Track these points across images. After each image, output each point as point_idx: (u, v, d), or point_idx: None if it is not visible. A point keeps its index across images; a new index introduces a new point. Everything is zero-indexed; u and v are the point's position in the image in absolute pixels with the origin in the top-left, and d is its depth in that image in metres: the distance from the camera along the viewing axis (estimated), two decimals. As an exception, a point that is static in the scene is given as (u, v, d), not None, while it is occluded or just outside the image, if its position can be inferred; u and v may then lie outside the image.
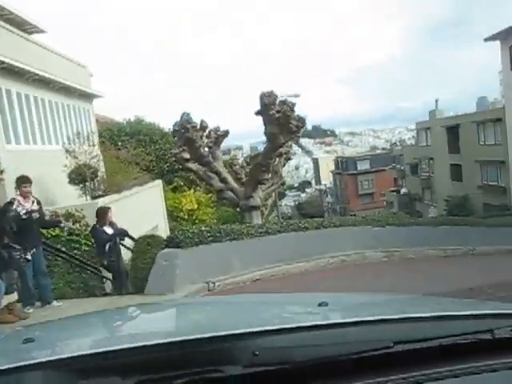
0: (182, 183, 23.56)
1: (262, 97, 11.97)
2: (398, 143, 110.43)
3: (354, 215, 63.38)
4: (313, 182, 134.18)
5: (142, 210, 13.76)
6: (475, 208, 35.07)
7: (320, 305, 1.44)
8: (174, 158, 17.29)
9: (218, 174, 14.66)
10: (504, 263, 10.35)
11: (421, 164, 45.63)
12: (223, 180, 14.79)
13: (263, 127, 12.59)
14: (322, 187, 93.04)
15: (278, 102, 12.11)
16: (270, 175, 14.77)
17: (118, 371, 1.03)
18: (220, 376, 1.02)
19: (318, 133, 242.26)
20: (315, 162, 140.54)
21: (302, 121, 12.10)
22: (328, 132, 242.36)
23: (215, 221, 23.46)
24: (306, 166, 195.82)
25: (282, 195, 39.89)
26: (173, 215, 20.47)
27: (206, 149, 15.21)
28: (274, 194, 22.69)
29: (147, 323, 1.80)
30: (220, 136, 15.95)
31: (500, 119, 31.29)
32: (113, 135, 24.57)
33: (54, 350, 1.39)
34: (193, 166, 15.03)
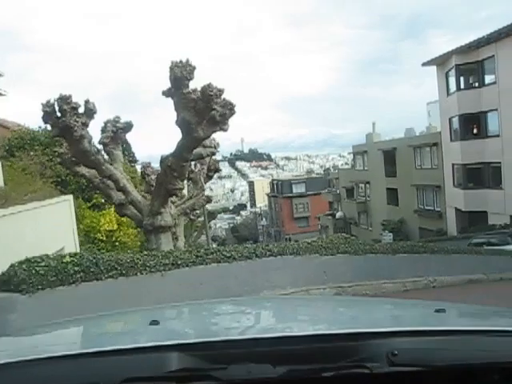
0: (103, 200, 20.86)
1: (173, 68, 7.90)
2: (332, 168, 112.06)
3: (290, 239, 62.30)
4: (248, 204, 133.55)
5: (42, 229, 11.17)
6: (411, 232, 34.71)
7: (438, 311, 1.54)
8: (59, 160, 12.68)
9: (115, 181, 10.41)
10: (468, 296, 8.93)
11: (357, 188, 45.25)
12: (122, 189, 10.57)
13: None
14: (257, 210, 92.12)
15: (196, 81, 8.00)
16: (184, 183, 11.25)
17: (270, 359, 1.06)
18: (364, 372, 1.06)
19: (255, 156, 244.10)
20: (251, 184, 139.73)
21: (230, 107, 7.82)
22: (264, 156, 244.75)
23: (139, 243, 21.31)
24: (242, 188, 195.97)
25: (211, 215, 37.20)
26: (90, 236, 17.91)
27: (100, 146, 10.95)
28: (203, 212, 20.51)
29: (285, 314, 1.84)
30: (120, 129, 11.32)
31: (436, 144, 31.19)
32: (25, 144, 21.63)
33: (196, 333, 1.48)
34: (83, 170, 11.07)
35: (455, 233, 29.15)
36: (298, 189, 72.54)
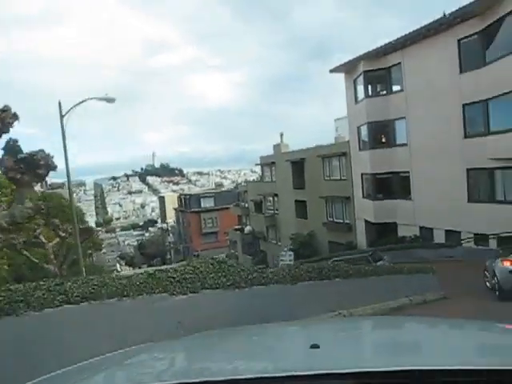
0: None
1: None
2: (244, 183, 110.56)
3: (198, 255, 58.67)
4: (159, 220, 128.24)
5: None
6: (321, 246, 33.12)
7: None
8: None
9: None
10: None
11: (265, 201, 43.30)
12: None
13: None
14: (165, 226, 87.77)
15: None
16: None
17: None
18: None
19: (166, 171, 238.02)
20: (161, 199, 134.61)
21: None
22: (176, 171, 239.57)
23: (6, 267, 17.56)
24: (153, 204, 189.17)
25: (111, 229, 33.07)
26: None
27: None
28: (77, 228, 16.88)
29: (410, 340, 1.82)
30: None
31: (345, 153, 29.92)
32: None
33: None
34: None
35: (365, 245, 27.80)
36: (207, 203, 69.61)
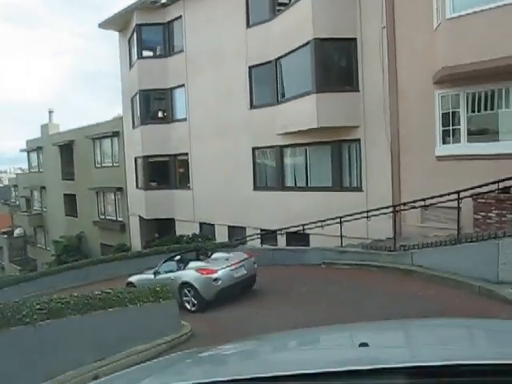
0: None
1: None
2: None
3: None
4: None
5: None
6: (93, 250, 25.96)
7: None
8: None
9: None
10: None
11: (33, 195, 34.31)
12: None
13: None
14: None
15: None
16: None
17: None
18: None
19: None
20: None
21: None
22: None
23: None
24: None
25: None
26: None
27: None
28: None
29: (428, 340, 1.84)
30: None
31: (118, 133, 23.41)
32: None
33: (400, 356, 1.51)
34: None
35: (140, 248, 21.61)
36: (-23, 201, 56.06)
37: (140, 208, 21.08)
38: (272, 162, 15.91)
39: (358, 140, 13.27)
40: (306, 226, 13.24)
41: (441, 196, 9.94)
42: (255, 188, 16.40)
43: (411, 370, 1.12)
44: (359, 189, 13.36)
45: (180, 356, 2.13)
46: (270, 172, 16.18)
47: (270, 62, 15.45)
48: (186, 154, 19.26)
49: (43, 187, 31.68)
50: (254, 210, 16.26)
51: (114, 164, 23.98)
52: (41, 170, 32.04)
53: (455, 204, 9.84)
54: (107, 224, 24.81)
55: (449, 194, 9.75)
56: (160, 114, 20.43)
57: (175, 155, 19.78)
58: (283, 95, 14.99)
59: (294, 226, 13.61)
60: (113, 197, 24.50)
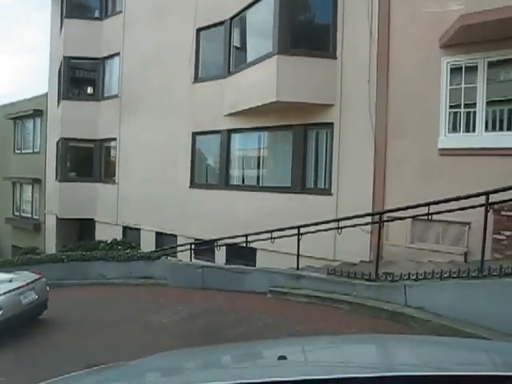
0: None
1: None
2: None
3: None
4: None
5: None
6: (5, 253, 21.26)
7: None
8: None
9: None
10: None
11: None
12: None
13: None
14: None
15: None
16: None
17: None
18: None
19: None
20: None
21: None
22: None
23: None
24: None
25: None
26: None
27: None
28: None
29: (387, 354, 1.87)
30: None
31: (41, 112, 19.10)
32: None
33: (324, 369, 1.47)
34: None
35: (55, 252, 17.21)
36: None
37: (56, 205, 16.77)
38: (216, 152, 12.05)
39: (331, 124, 9.61)
40: (251, 238, 9.43)
41: (446, 202, 6.36)
42: (192, 185, 12.47)
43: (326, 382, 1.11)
44: (328, 191, 9.66)
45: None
46: (212, 165, 12.32)
47: (222, 22, 11.71)
48: (115, 140, 15.18)
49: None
50: (189, 214, 12.31)
51: (35, 150, 19.62)
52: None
53: (463, 217, 6.35)
54: (21, 222, 20.27)
55: (457, 200, 6.20)
56: (89, 90, 16.34)
57: (102, 140, 15.67)
58: (236, 65, 11.24)
59: (237, 237, 9.77)
60: (30, 190, 20.04)
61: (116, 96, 15.18)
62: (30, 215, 20.00)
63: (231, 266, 9.48)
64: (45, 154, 18.58)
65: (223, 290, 8.94)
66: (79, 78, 16.30)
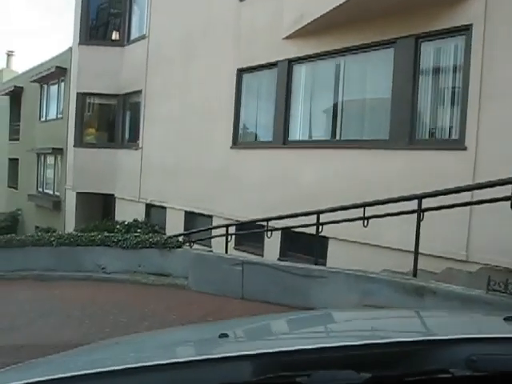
0: None
1: None
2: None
3: None
4: None
5: None
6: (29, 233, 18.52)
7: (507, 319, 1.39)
8: None
9: None
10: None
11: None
12: None
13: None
14: None
15: None
16: None
17: (354, 366, 1.04)
18: (447, 377, 1.04)
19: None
20: None
21: None
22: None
23: None
24: None
25: None
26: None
27: None
28: None
29: (350, 326, 1.75)
30: None
31: (65, 70, 15.98)
32: None
33: (265, 344, 1.40)
34: None
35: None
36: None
37: (72, 177, 13.56)
38: (270, 95, 8.17)
39: (467, 29, 5.53)
40: (323, 218, 5.58)
41: None
42: (235, 144, 8.66)
43: (265, 357, 1.07)
44: (458, 144, 5.61)
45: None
46: (263, 115, 8.43)
47: None
48: (139, 93, 11.67)
49: (-8, 150, 24.48)
50: (229, 186, 8.57)
51: (58, 116, 16.59)
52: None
53: None
54: (42, 200, 17.34)
55: None
56: (112, 35, 12.91)
57: (125, 95, 12.22)
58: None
59: (297, 216, 5.94)
60: (53, 162, 17.07)
61: (143, 37, 11.65)
62: (51, 191, 17.04)
63: (291, 264, 5.56)
64: (67, 119, 15.45)
65: (275, 304, 5.14)
66: (100, 18, 12.93)
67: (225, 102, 8.86)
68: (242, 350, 1.24)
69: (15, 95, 20.54)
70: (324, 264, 6.58)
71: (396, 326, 1.69)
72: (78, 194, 14.06)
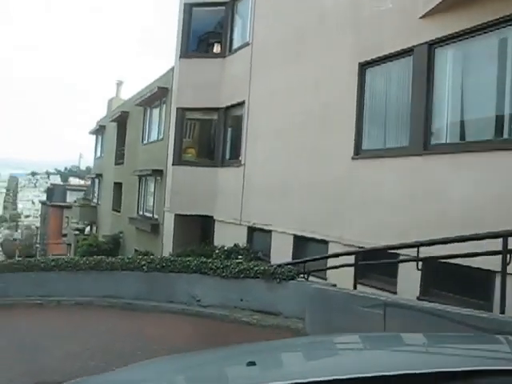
0: None
1: None
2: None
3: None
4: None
5: None
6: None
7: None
8: None
9: None
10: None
11: (93, 185, 28.32)
12: None
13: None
14: (34, 224, 70.29)
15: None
16: None
17: None
18: None
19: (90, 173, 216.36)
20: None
21: None
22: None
23: None
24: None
25: None
26: None
27: None
28: None
29: (364, 353, 1.74)
30: None
31: (167, 90, 15.61)
32: None
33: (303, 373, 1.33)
34: None
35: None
36: (74, 197, 53.22)
37: (173, 199, 12.80)
38: (402, 90, 6.52)
39: None
40: (488, 245, 3.78)
41: None
42: (358, 153, 7.06)
43: None
44: None
45: None
46: (394, 116, 6.77)
47: None
48: (242, 104, 10.59)
49: (100, 175, 25.30)
50: (351, 205, 6.97)
51: (159, 137, 16.23)
52: (102, 155, 25.75)
53: None
54: (141, 223, 16.99)
55: None
56: (214, 48, 12.14)
57: (226, 108, 11.24)
58: None
59: (448, 242, 4.19)
60: (153, 184, 16.68)
61: (247, 44, 10.65)
62: (150, 214, 16.61)
63: (464, 312, 3.80)
64: (167, 139, 14.97)
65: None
66: (202, 30, 12.23)
67: (343, 104, 7.36)
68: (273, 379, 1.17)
69: (122, 120, 20.90)
70: (490, 307, 4.72)
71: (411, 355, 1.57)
72: (176, 216, 13.31)
